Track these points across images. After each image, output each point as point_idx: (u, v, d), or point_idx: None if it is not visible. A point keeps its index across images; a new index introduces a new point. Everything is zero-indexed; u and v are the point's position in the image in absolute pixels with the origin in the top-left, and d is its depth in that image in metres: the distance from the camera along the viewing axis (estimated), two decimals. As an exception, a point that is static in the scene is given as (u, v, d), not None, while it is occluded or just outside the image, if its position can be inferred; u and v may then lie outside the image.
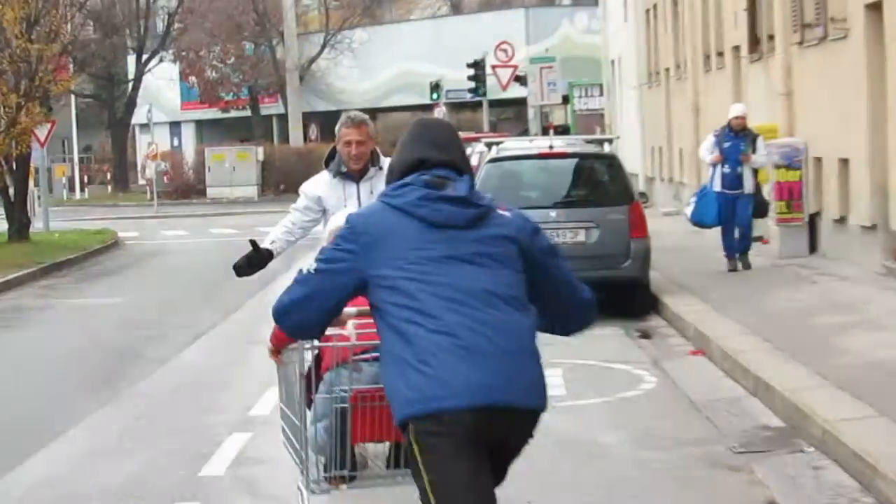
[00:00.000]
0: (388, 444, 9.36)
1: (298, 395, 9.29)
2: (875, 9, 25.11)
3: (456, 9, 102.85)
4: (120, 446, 15.15)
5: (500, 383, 6.62)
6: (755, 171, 27.22)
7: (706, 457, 13.80)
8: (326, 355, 9.64)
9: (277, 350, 9.10)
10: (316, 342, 9.03)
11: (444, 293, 6.70)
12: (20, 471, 14.21)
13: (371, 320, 7.94)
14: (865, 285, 24.01)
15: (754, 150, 26.94)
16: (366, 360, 9.08)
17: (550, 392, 6.79)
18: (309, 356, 9.26)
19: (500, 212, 6.84)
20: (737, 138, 26.86)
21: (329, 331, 8.39)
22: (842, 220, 28.13)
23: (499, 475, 7.10)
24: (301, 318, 7.15)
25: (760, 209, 27.49)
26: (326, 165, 13.95)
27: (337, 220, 12.76)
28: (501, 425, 6.73)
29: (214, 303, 28.98)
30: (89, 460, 14.44)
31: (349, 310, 7.86)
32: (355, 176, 13.11)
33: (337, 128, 13.34)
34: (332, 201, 13.55)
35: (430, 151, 6.98)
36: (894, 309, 20.84)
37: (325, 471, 9.12)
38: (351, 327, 8.88)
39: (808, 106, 29.81)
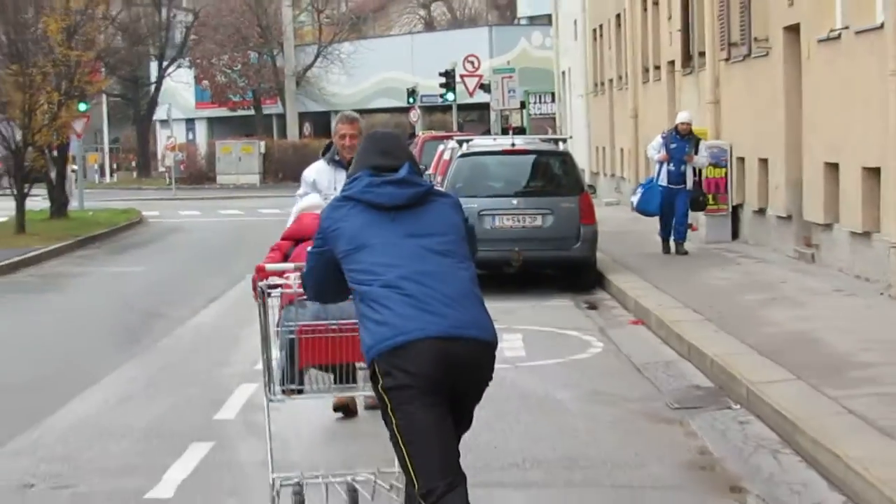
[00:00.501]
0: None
1: (262, 328, 10.07)
2: (793, 30, 25.10)
3: (429, 26, 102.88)
4: (145, 393, 15.10)
5: (456, 317, 6.76)
6: (696, 170, 27.27)
7: (647, 411, 13.78)
8: (283, 298, 10.39)
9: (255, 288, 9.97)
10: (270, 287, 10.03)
11: (389, 258, 6.87)
12: (62, 412, 14.24)
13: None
14: (781, 267, 24.04)
15: (696, 152, 27.05)
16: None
17: (512, 354, 6.85)
18: (274, 302, 10.14)
19: (438, 188, 7.14)
20: (682, 141, 26.99)
21: (276, 280, 10.08)
22: (761, 211, 28.16)
23: (464, 421, 7.20)
24: (314, 285, 7.57)
25: (698, 204, 27.61)
26: (322, 155, 14.31)
27: (304, 202, 13.25)
28: (457, 355, 6.73)
29: (224, 271, 28.81)
30: (119, 404, 14.42)
31: (287, 265, 10.00)
32: (345, 164, 13.02)
33: (334, 124, 14.01)
34: (324, 183, 13.93)
35: (380, 160, 7.15)
36: (806, 287, 20.90)
37: (281, 384, 9.91)
38: (293, 278, 9.84)
39: (732, 113, 29.82)
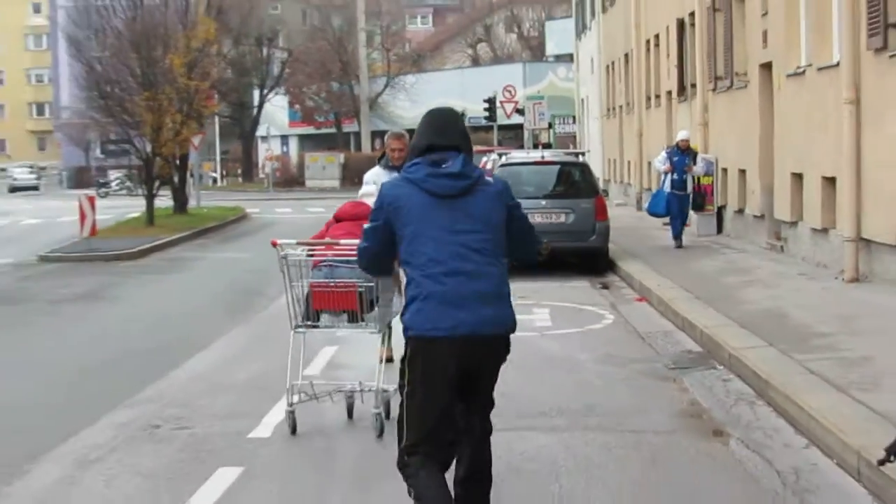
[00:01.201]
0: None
1: (285, 282, 11.52)
2: (766, 67, 24.99)
3: (475, 62, 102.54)
4: (247, 354, 15.14)
5: (474, 320, 6.58)
6: (695, 178, 27.20)
7: (648, 371, 13.72)
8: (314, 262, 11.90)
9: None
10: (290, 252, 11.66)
11: (435, 245, 6.65)
12: (182, 368, 14.35)
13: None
14: (756, 256, 23.87)
15: (695, 163, 27.04)
16: (327, 266, 11.48)
17: (541, 324, 6.78)
18: (293, 263, 11.60)
19: (487, 178, 6.84)
20: (683, 154, 26.84)
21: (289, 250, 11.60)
22: (740, 211, 27.99)
23: (479, 396, 6.96)
24: (368, 260, 7.25)
25: (698, 204, 27.64)
26: (379, 161, 14.65)
27: (366, 189, 13.60)
28: (470, 351, 6.65)
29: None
30: (226, 363, 14.46)
31: (289, 241, 11.75)
32: (396, 168, 12.91)
33: (386, 139, 14.46)
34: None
35: (435, 138, 6.89)
36: (776, 272, 20.79)
37: (301, 320, 11.43)
38: (299, 249, 11.70)
39: (718, 133, 29.62)
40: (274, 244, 11.54)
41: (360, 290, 11.05)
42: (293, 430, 10.96)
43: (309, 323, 11.61)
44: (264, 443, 10.52)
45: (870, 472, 8.48)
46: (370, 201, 15.99)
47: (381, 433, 10.52)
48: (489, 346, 6.70)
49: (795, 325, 15.10)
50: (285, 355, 12.21)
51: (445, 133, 6.90)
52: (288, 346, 11.02)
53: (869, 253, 18.83)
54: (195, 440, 10.63)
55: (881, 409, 9.87)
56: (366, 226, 7.11)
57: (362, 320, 11.35)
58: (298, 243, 11.99)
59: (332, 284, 11.42)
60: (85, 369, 14.85)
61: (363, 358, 12.92)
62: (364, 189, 13.83)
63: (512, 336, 6.89)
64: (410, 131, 15.95)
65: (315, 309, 11.63)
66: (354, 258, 10.00)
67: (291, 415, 11.04)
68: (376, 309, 11.44)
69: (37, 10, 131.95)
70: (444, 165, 6.76)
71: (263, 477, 9.39)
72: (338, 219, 12.72)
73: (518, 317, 6.87)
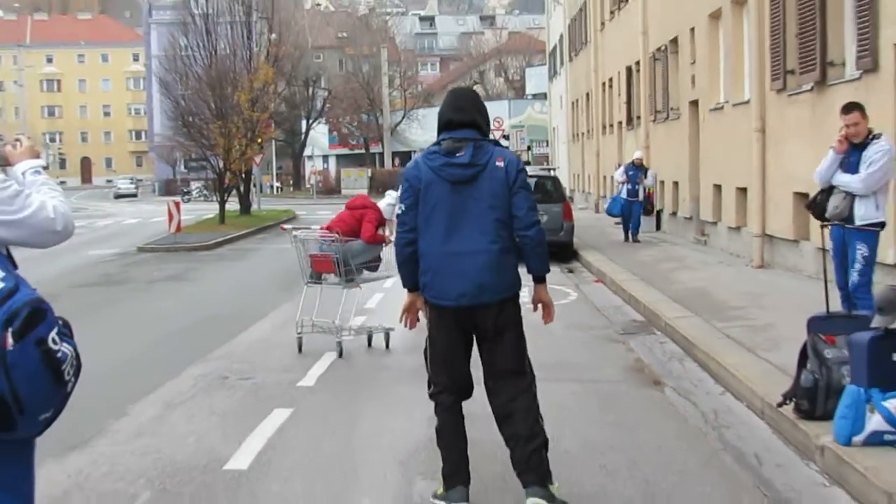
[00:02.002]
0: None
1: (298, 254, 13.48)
2: (694, 104, 25.00)
3: (515, 89, 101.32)
4: (292, 329, 15.14)
5: (474, 287, 6.29)
6: (646, 188, 27.18)
7: (604, 335, 13.74)
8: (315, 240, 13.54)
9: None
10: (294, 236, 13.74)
11: (446, 227, 6.32)
12: (246, 332, 14.48)
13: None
14: (686, 248, 23.82)
15: (646, 177, 26.97)
16: (319, 243, 13.16)
17: (522, 301, 6.57)
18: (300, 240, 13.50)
19: (498, 163, 6.32)
20: (637, 169, 26.69)
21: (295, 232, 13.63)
22: (674, 214, 27.98)
23: (498, 347, 6.52)
24: (402, 240, 6.52)
25: (647, 209, 27.53)
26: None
27: (389, 199, 16.76)
28: (475, 315, 6.40)
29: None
30: (279, 329, 14.43)
31: (287, 227, 14.32)
32: None
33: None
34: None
35: (453, 114, 6.45)
36: (701, 260, 20.76)
37: (307, 279, 13.31)
38: (301, 234, 13.64)
39: (657, 153, 29.57)
40: (283, 229, 14.42)
41: (335, 259, 12.80)
42: (300, 350, 12.60)
43: (312, 281, 13.44)
44: (309, 390, 10.51)
45: (770, 413, 8.52)
46: (383, 204, 16.06)
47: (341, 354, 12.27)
48: (490, 311, 6.37)
49: (715, 301, 15.11)
50: (326, 323, 12.33)
51: (464, 109, 6.47)
52: (328, 316, 11.18)
53: (771, 246, 18.90)
54: (256, 388, 10.67)
55: (779, 364, 9.89)
56: (399, 212, 6.60)
57: (343, 279, 12.91)
58: (294, 228, 14.93)
59: (320, 255, 13.16)
60: (171, 333, 14.92)
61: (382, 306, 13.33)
62: (388, 198, 14.67)
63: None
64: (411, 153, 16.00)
65: (315, 270, 13.44)
66: (332, 238, 12.89)
67: (299, 339, 12.68)
68: (363, 273, 13.56)
69: (136, 58, 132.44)
70: (457, 155, 6.34)
71: (308, 416, 9.41)
72: (348, 207, 13.94)
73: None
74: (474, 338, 6.58)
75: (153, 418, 9.40)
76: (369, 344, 13.08)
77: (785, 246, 18.22)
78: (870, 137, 10.48)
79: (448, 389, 6.55)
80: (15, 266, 4.10)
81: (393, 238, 7.43)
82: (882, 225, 10.52)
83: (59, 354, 3.90)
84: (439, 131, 6.51)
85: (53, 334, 3.89)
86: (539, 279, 6.53)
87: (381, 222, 14.22)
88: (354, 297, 13.68)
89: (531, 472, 6.32)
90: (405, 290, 6.63)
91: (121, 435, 8.81)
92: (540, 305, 6.69)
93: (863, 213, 10.35)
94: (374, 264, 13.66)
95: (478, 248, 6.30)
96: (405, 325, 6.71)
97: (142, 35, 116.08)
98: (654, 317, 14.42)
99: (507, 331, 6.48)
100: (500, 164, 6.33)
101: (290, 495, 7.15)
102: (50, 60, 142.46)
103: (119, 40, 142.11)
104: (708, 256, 21.60)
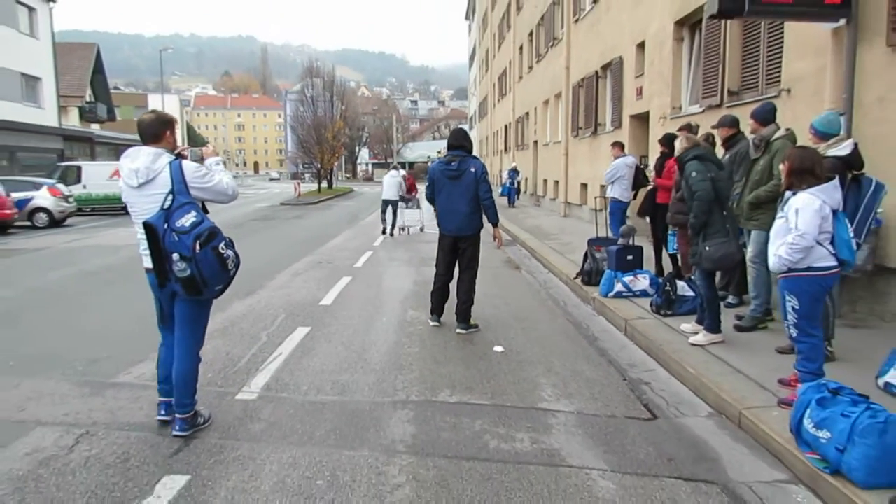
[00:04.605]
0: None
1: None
2: (535, 142, 24.44)
3: (440, 135, 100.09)
4: (354, 238, 14.58)
5: (458, 227, 5.91)
6: (515, 181, 24.48)
7: (492, 246, 13.39)
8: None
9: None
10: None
11: (448, 197, 5.89)
12: (328, 243, 13.66)
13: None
14: (531, 209, 23.04)
15: (517, 175, 24.47)
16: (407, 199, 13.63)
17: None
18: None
19: (471, 170, 5.86)
20: (513, 171, 24.28)
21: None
22: (527, 193, 27.19)
23: (464, 259, 6.04)
24: (428, 199, 6.13)
25: (517, 191, 24.78)
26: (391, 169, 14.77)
27: (386, 179, 15.34)
28: (458, 239, 6.02)
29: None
30: (346, 241, 13.85)
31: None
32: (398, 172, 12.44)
33: (397, 167, 13.20)
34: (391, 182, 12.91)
35: (453, 141, 5.91)
36: (535, 214, 20.25)
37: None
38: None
39: (522, 163, 28.02)
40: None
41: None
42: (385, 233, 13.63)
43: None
44: (360, 269, 10.13)
45: (569, 282, 8.36)
46: (390, 181, 15.51)
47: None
48: (465, 238, 5.99)
49: (544, 230, 14.71)
50: (370, 240, 11.88)
51: (457, 139, 5.93)
52: (352, 253, 10.84)
53: (569, 207, 18.66)
54: (334, 267, 10.28)
55: (575, 259, 9.73)
56: (426, 191, 6.11)
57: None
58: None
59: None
60: (295, 242, 14.08)
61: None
62: (387, 180, 14.67)
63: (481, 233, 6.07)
64: (410, 163, 15.82)
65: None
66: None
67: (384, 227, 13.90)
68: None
69: (279, 116, 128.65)
70: (451, 164, 5.87)
71: (360, 279, 9.08)
72: (407, 179, 15.64)
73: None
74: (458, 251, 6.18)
75: (286, 281, 9.02)
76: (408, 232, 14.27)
77: (576, 207, 18.02)
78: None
79: (442, 275, 6.28)
80: (206, 211, 3.86)
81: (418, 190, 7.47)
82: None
83: (225, 255, 3.66)
84: (448, 148, 5.99)
85: (222, 245, 3.65)
86: (494, 224, 6.10)
87: (413, 185, 16.21)
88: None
89: (461, 317, 6.12)
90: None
91: (271, 288, 8.46)
92: (496, 238, 6.35)
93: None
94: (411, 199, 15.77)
95: (461, 209, 6.00)
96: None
97: (281, 104, 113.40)
98: (516, 237, 14.00)
99: (469, 251, 6.17)
100: (472, 169, 5.97)
101: (353, 314, 6.92)
102: (239, 115, 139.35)
103: (272, 106, 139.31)
104: (540, 212, 21.07)
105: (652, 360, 5.30)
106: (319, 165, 41.26)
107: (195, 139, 78.88)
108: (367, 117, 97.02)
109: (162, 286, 3.72)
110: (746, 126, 5.76)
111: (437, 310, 6.40)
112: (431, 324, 6.40)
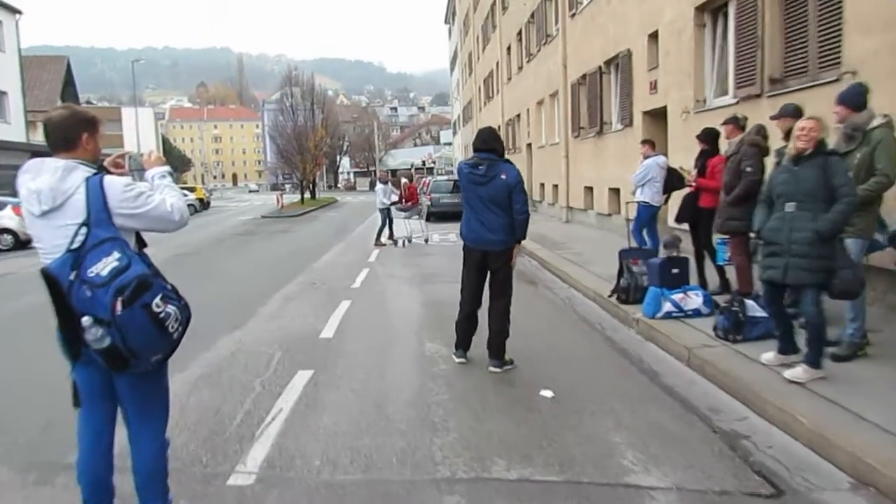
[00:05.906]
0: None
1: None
2: (528, 145, 23.86)
3: (435, 141, 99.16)
4: (345, 253, 13.76)
5: (481, 239, 5.13)
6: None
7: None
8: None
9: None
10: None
11: (474, 203, 5.10)
12: (320, 259, 12.68)
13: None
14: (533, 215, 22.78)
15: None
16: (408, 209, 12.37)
17: (455, 240, 5.41)
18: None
19: (502, 176, 5.05)
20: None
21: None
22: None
23: (496, 279, 5.26)
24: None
25: None
26: (381, 182, 14.17)
27: (378, 189, 14.38)
28: (486, 254, 5.19)
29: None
30: (337, 256, 13.05)
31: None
32: (384, 182, 12.19)
33: (383, 173, 12.74)
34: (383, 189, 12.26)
35: (480, 144, 5.13)
36: (534, 220, 19.82)
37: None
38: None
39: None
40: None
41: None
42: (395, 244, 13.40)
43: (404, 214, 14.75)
44: (358, 289, 9.20)
45: (601, 299, 7.50)
46: (383, 190, 14.76)
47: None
48: (493, 253, 5.16)
49: (550, 239, 14.13)
50: (360, 251, 11.00)
51: (486, 141, 5.18)
52: (360, 248, 9.95)
53: (572, 212, 17.95)
54: (329, 288, 9.32)
55: (597, 273, 8.91)
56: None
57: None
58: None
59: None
60: (281, 258, 13.23)
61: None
62: (378, 189, 14.09)
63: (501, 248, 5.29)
64: (393, 171, 15.60)
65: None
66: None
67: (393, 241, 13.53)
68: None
69: (257, 126, 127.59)
70: (478, 167, 5.10)
71: (360, 302, 8.13)
72: (409, 188, 15.02)
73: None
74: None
75: (278, 308, 8.05)
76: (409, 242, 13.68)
77: (579, 212, 17.27)
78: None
79: (469, 302, 5.33)
80: (144, 245, 2.76)
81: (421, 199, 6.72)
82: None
83: (163, 314, 2.55)
84: (475, 150, 5.23)
85: (157, 301, 2.54)
86: (518, 241, 5.30)
87: (415, 193, 15.62)
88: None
89: (494, 352, 5.29)
90: None
91: (262, 318, 7.49)
92: (515, 255, 5.37)
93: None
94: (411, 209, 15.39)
95: (489, 218, 5.10)
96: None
97: (259, 115, 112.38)
98: (521, 247, 13.26)
99: (501, 271, 5.25)
100: (503, 176, 5.09)
101: (360, 350, 5.96)
102: (216, 127, 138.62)
103: (249, 117, 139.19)
104: (539, 217, 20.40)
105: (738, 403, 4.36)
106: (301, 175, 40.25)
107: (171, 153, 77.05)
108: (347, 126, 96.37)
109: (76, 358, 2.66)
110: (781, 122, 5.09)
111: (462, 343, 5.53)
112: (457, 360, 5.51)
